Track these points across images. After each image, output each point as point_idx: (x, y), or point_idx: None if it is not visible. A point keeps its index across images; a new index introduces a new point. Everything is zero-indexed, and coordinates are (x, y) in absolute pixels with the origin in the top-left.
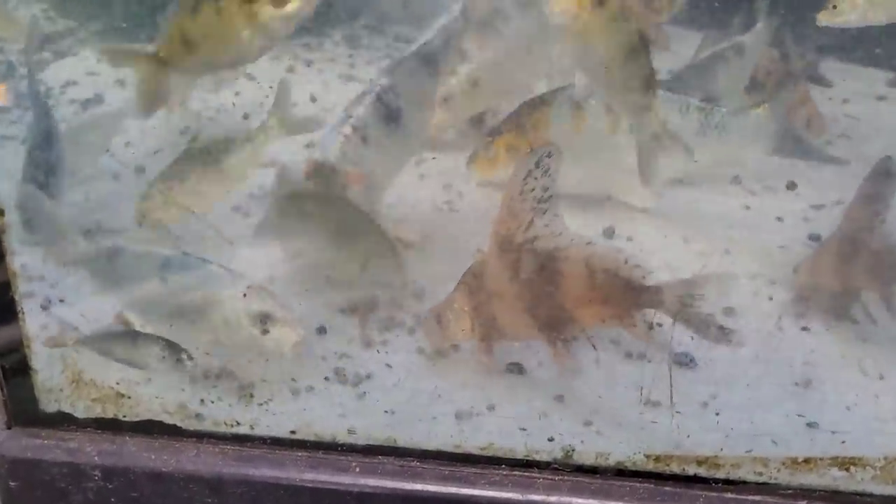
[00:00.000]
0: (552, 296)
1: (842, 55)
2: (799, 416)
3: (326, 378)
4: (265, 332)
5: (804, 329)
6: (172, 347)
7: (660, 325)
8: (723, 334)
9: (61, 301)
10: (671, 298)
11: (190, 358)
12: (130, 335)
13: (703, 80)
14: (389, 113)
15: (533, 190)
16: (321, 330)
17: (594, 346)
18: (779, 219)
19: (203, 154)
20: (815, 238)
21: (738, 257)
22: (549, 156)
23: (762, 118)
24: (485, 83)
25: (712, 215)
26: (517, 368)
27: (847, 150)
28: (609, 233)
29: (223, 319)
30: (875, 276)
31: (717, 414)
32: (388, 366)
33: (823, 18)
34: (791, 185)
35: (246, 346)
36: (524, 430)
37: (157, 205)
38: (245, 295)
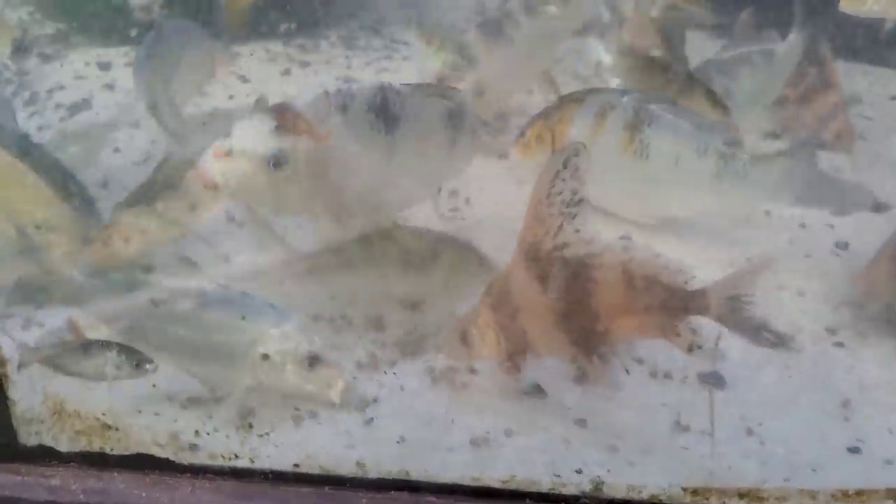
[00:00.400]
0: (586, 306)
1: (852, 56)
2: (840, 440)
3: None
4: (311, 375)
5: (839, 345)
6: (129, 353)
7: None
8: (779, 338)
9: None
10: (718, 302)
11: (150, 362)
12: (82, 345)
13: (724, 76)
14: (381, 108)
15: (561, 193)
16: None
17: (627, 370)
18: (802, 226)
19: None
20: (842, 246)
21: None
22: (576, 155)
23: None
24: (491, 92)
25: (730, 222)
26: (537, 390)
27: (864, 152)
28: (625, 240)
29: (268, 360)
30: None
31: (750, 433)
32: (401, 388)
33: (846, 5)
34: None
35: (290, 390)
36: (547, 458)
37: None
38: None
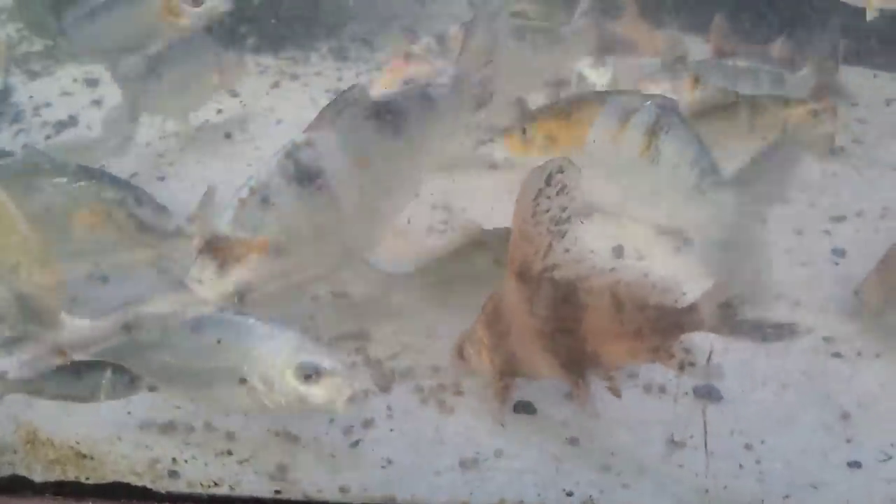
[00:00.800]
0: (574, 331)
1: (848, 60)
2: (840, 455)
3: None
4: (313, 387)
5: (837, 356)
6: (122, 371)
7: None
8: (784, 329)
9: None
10: (711, 313)
11: (139, 379)
12: (72, 368)
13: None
14: (303, 173)
15: (548, 211)
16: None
17: (619, 395)
18: (798, 232)
19: None
20: (839, 253)
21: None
22: (560, 171)
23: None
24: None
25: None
26: (527, 408)
27: (860, 155)
28: (618, 251)
29: (263, 378)
30: None
31: (748, 448)
32: (388, 409)
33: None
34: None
35: (292, 406)
36: (538, 479)
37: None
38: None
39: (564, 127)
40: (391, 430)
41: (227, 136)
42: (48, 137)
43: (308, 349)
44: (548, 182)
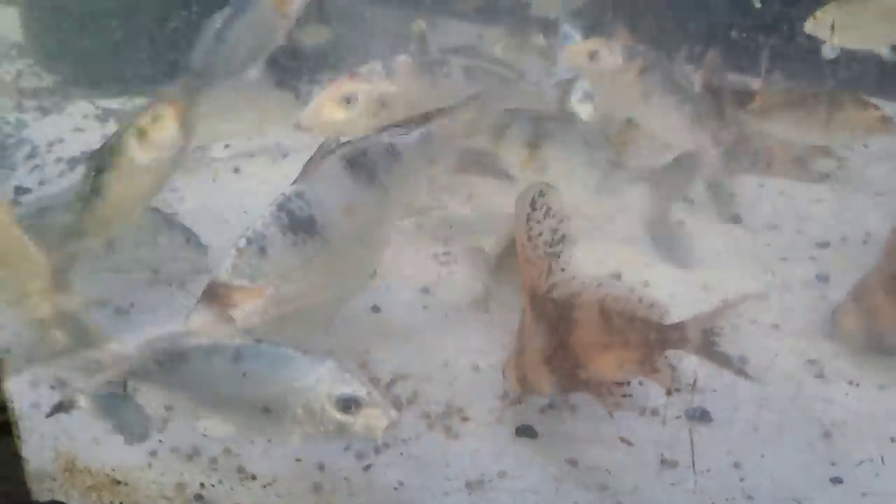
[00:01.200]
0: (567, 346)
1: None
2: (822, 471)
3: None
4: (353, 417)
5: (819, 377)
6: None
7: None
8: (750, 371)
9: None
10: (695, 335)
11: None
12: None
13: None
14: (296, 222)
15: (541, 234)
16: None
17: (610, 414)
18: (783, 259)
19: None
20: (823, 279)
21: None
22: (542, 195)
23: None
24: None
25: (714, 255)
26: (528, 432)
27: (845, 181)
28: (616, 278)
29: (306, 408)
30: None
31: (737, 467)
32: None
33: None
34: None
35: (332, 435)
36: (540, 499)
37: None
38: (324, 379)
39: None
40: (401, 453)
41: (236, 171)
42: (62, 174)
43: (346, 380)
44: (532, 206)
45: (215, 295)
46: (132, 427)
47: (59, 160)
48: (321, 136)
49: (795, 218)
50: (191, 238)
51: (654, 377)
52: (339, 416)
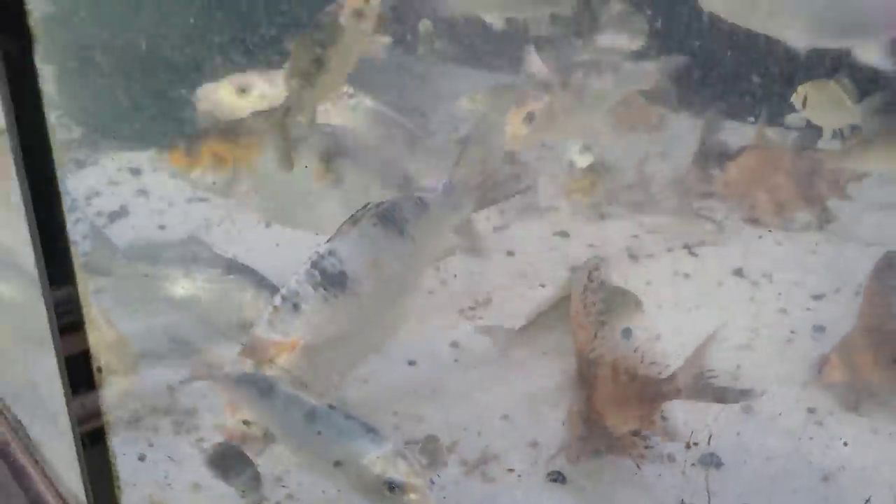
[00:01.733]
0: (590, 400)
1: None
2: None
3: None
4: (398, 496)
5: (818, 424)
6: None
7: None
8: (744, 393)
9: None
10: (686, 382)
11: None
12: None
13: None
14: (328, 279)
15: (595, 304)
16: None
17: (638, 466)
18: (781, 311)
19: None
20: (819, 329)
21: (748, 353)
22: (597, 269)
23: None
24: None
25: (717, 308)
26: (559, 477)
27: (840, 232)
28: (627, 333)
29: (358, 475)
30: None
31: None
32: (432, 482)
33: None
34: None
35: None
36: None
37: None
38: (379, 459)
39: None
40: (444, 497)
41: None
42: (104, 227)
43: (397, 466)
44: (590, 279)
45: (254, 348)
46: (246, 485)
47: (99, 213)
48: None
49: (792, 269)
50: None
51: (652, 430)
52: (386, 492)
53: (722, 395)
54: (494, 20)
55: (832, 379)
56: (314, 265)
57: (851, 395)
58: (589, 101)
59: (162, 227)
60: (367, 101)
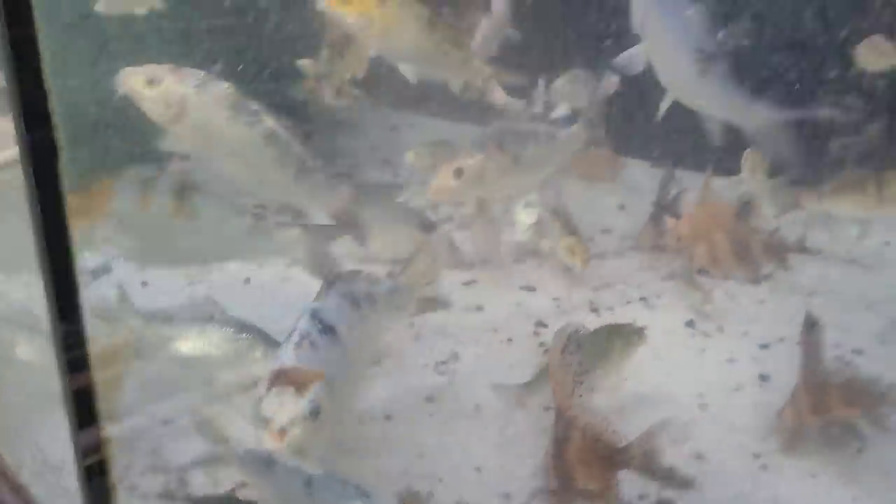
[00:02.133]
0: (562, 459)
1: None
2: None
3: None
4: None
5: (763, 468)
6: None
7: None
8: (686, 482)
9: None
10: (638, 454)
11: None
12: None
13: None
14: (325, 327)
15: (570, 365)
16: None
17: None
18: (730, 360)
19: None
20: (765, 378)
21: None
22: (577, 332)
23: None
24: None
25: (670, 362)
26: None
27: (784, 280)
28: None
29: None
30: (852, 405)
31: None
32: None
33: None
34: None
35: None
36: None
37: None
38: None
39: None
40: None
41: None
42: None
43: None
44: (569, 339)
45: (285, 377)
46: None
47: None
48: None
49: (741, 320)
50: None
51: (607, 494)
52: None
53: (667, 478)
54: (408, 74)
55: (784, 424)
56: (313, 315)
57: (796, 440)
58: (524, 164)
59: None
60: (269, 121)
